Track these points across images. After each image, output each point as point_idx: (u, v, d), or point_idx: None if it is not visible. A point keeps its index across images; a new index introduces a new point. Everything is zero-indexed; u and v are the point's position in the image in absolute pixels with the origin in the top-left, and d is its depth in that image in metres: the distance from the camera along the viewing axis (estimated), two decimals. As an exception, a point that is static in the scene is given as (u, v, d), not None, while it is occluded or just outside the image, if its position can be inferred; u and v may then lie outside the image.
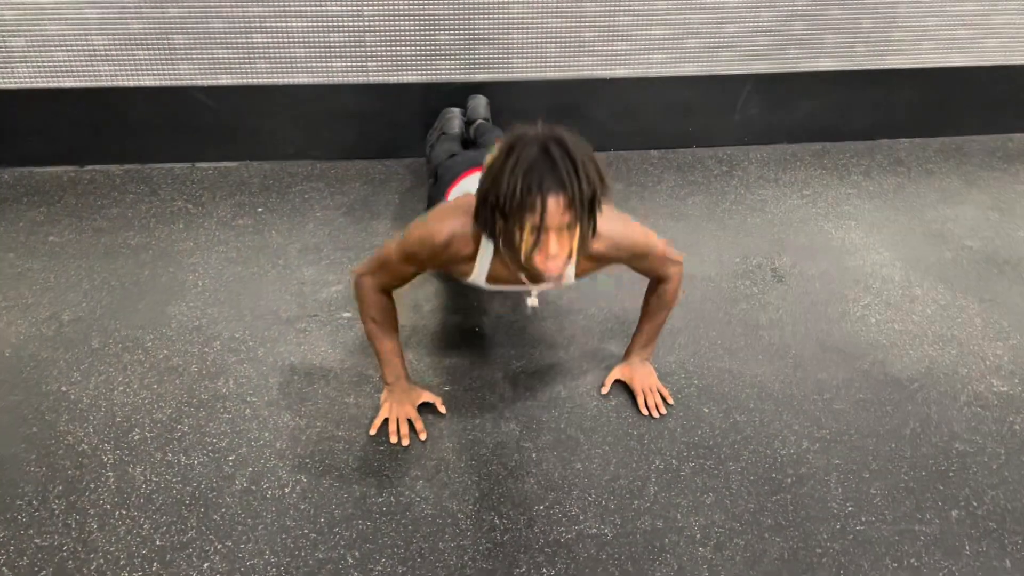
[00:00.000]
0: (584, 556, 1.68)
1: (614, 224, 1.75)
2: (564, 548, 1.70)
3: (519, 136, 1.52)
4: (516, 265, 1.66)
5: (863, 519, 1.78)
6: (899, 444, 1.98)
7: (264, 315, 2.34)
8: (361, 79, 3.10)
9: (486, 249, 1.75)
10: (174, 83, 3.01)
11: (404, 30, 3.01)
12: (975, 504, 1.83)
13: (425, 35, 3.03)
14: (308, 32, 2.97)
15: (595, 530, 1.74)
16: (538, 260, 1.56)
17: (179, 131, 3.09)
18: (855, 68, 3.35)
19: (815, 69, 3.33)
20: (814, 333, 2.34)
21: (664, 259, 1.96)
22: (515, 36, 3.08)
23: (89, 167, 3.08)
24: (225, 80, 3.03)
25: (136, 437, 1.92)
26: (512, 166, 1.48)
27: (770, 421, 2.03)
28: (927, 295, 2.52)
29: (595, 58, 3.17)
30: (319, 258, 2.60)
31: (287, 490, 1.81)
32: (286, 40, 2.97)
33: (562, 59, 3.16)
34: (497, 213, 1.56)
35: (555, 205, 1.49)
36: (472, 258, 1.78)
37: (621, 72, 3.22)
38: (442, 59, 3.10)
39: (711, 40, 3.19)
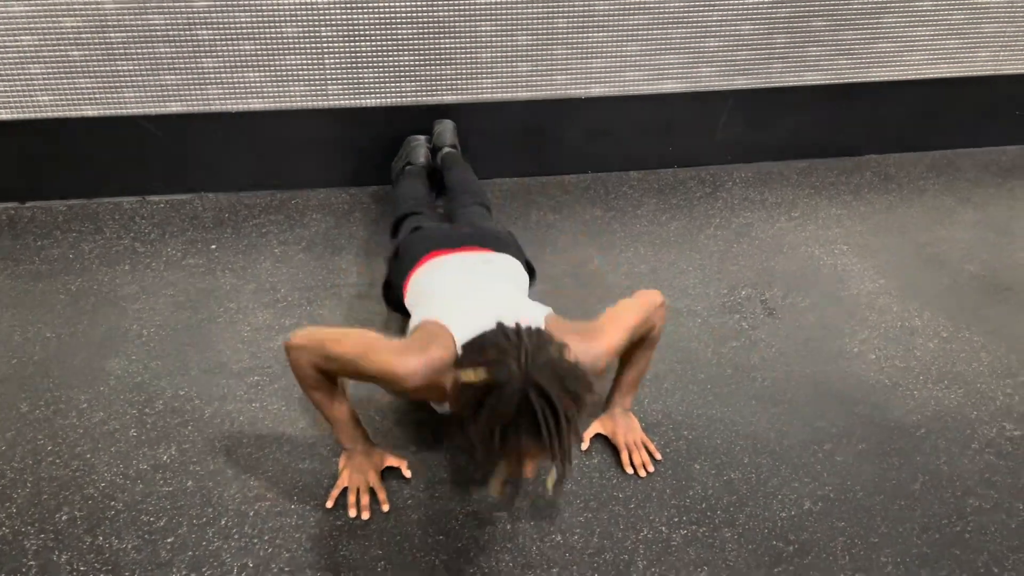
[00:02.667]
0: (565, 649, 1.50)
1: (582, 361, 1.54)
2: (543, 639, 1.51)
3: (498, 379, 1.39)
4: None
5: (874, 593, 1.61)
6: (908, 502, 1.81)
7: (212, 368, 2.14)
8: (321, 103, 2.91)
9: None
10: (120, 112, 2.80)
11: (365, 51, 2.83)
12: (995, 570, 1.66)
13: (388, 56, 2.85)
14: (262, 55, 2.77)
15: (576, 615, 1.56)
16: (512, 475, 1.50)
17: (127, 163, 2.89)
18: (840, 81, 3.20)
19: (799, 84, 3.17)
20: (810, 374, 2.17)
21: (642, 321, 1.78)
22: (483, 55, 2.90)
23: (30, 204, 2.87)
24: (175, 108, 2.83)
25: (64, 518, 1.72)
26: (489, 417, 1.39)
27: (767, 478, 1.86)
28: (927, 327, 2.36)
29: (568, 76, 3.00)
30: (274, 300, 2.40)
31: (231, 577, 1.61)
32: (239, 64, 2.78)
33: (533, 78, 2.98)
34: (470, 428, 1.45)
35: (532, 462, 1.46)
36: (447, 392, 1.61)
37: (596, 91, 3.05)
38: (406, 81, 2.92)
39: (690, 55, 3.03)
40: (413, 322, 1.78)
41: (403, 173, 2.74)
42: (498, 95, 3.00)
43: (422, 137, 2.90)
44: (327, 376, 1.69)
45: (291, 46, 2.78)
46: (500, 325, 1.50)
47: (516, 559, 1.66)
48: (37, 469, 1.83)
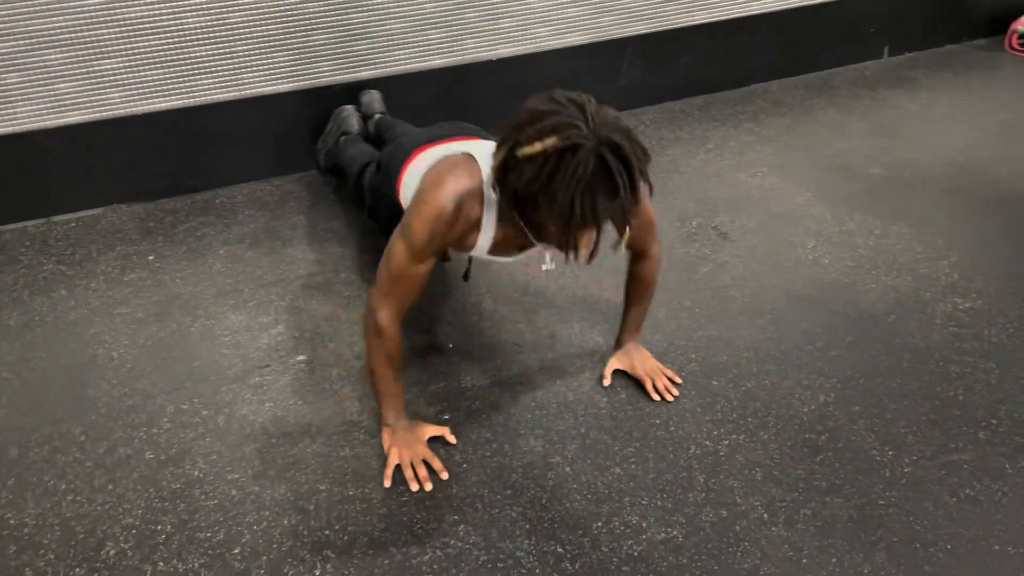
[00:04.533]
0: (664, 566, 1.58)
1: None
2: (641, 562, 1.58)
3: (571, 140, 1.36)
4: (549, 245, 1.57)
5: (906, 460, 1.79)
6: (903, 379, 2.00)
7: (206, 377, 2.04)
8: (234, 94, 2.78)
9: (490, 214, 1.63)
10: (12, 129, 2.57)
11: (276, 33, 2.73)
12: (994, 422, 1.88)
13: (299, 36, 2.76)
14: (166, 50, 2.62)
15: (663, 535, 1.64)
16: (581, 255, 1.48)
17: (25, 183, 2.65)
18: (724, 18, 3.40)
19: (689, 24, 3.34)
20: (779, 284, 2.34)
21: (654, 231, 1.88)
22: (395, 26, 2.87)
23: (-81, 243, 2.59)
24: (74, 118, 2.62)
25: (112, 552, 1.61)
26: (567, 180, 1.36)
27: (779, 382, 2.00)
28: (860, 228, 2.59)
29: (479, 39, 3.01)
30: (242, 301, 2.31)
31: (317, 572, 1.57)
32: (140, 63, 2.61)
33: (446, 44, 2.98)
34: (539, 212, 1.45)
35: (610, 223, 1.43)
36: (478, 225, 1.64)
37: (507, 51, 3.08)
38: (321, 60, 2.84)
39: (592, 6, 3.12)
40: (417, 183, 1.73)
41: (342, 143, 2.68)
42: (413, 66, 2.98)
43: (350, 107, 2.83)
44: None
45: (197, 37, 2.64)
46: (549, 95, 1.45)
47: (587, 496, 1.72)
48: (59, 510, 1.70)
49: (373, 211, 2.24)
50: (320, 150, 2.88)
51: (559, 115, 1.40)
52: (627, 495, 1.72)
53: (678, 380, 2.00)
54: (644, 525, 1.65)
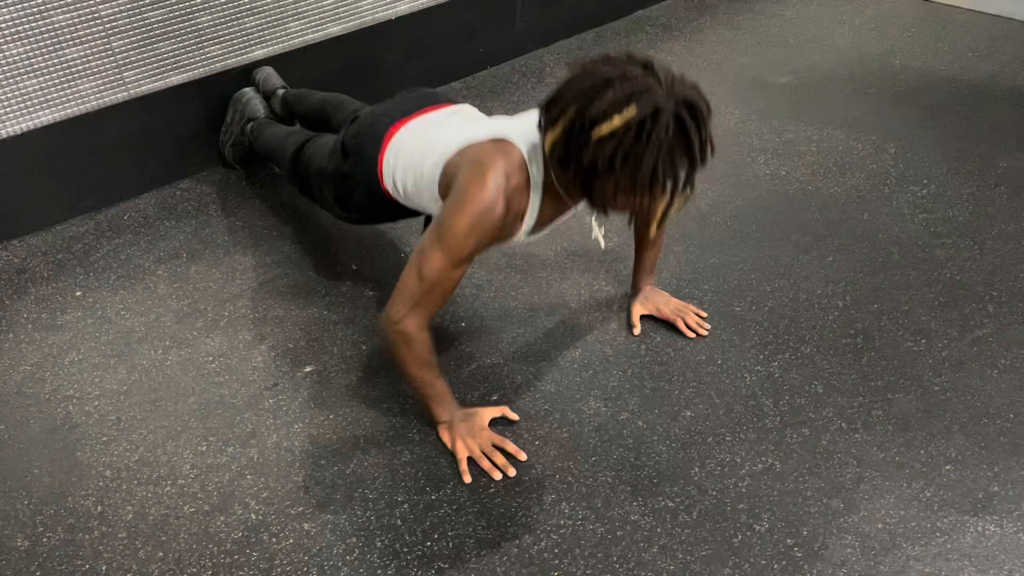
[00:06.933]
0: (775, 495, 1.58)
1: None
2: (752, 497, 1.58)
3: (651, 106, 1.29)
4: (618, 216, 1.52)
5: (939, 346, 1.88)
6: (902, 271, 2.10)
7: (212, 411, 1.83)
8: (120, 96, 2.46)
9: (535, 197, 1.53)
10: None
11: (156, 22, 2.42)
12: (995, 293, 2.01)
13: (182, 21, 2.47)
14: (34, 55, 2.26)
15: (760, 465, 1.64)
16: (654, 222, 1.47)
17: None
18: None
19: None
20: (751, 202, 2.38)
21: None
22: (287, -4, 2.63)
23: None
24: (-62, 148, 2.23)
25: (197, 626, 1.42)
26: (651, 149, 1.29)
27: (795, 295, 2.05)
28: (799, 137, 2.68)
29: (376, -1, 2.83)
30: (211, 322, 2.08)
31: (436, 589, 1.46)
32: (5, 75, 2.24)
33: (341, 8, 2.77)
34: (610, 184, 1.37)
35: (690, 187, 1.40)
36: (523, 214, 1.54)
37: (403, 8, 2.91)
38: (209, 44, 2.56)
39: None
40: (429, 173, 1.63)
41: (250, 130, 2.44)
42: (310, 37, 2.75)
43: (248, 89, 2.59)
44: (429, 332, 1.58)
45: (68, 36, 2.30)
46: (603, 57, 1.37)
47: (671, 445, 1.69)
48: (112, 596, 1.47)
49: (341, 201, 2.04)
50: (224, 143, 2.62)
51: (628, 79, 1.32)
52: (708, 435, 1.71)
53: (703, 314, 1.99)
54: (738, 460, 1.65)
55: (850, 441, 1.67)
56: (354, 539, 1.54)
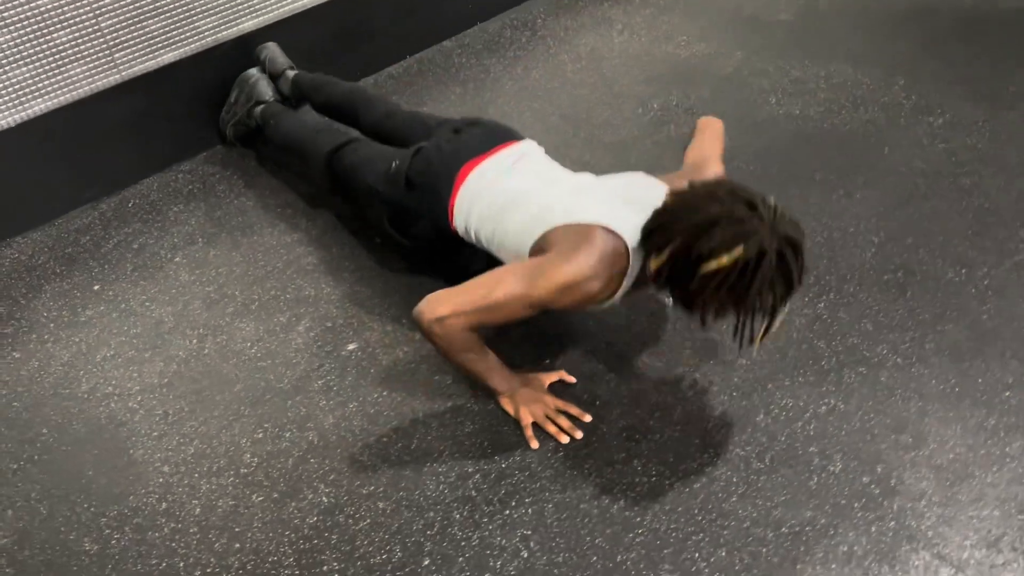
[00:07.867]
0: (843, 435, 1.60)
1: None
2: (822, 439, 1.60)
3: (755, 247, 1.34)
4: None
5: (979, 274, 1.91)
6: (931, 203, 2.11)
7: (261, 397, 1.79)
8: (113, 79, 2.36)
9: (627, 282, 1.56)
10: None
11: (147, -2, 2.33)
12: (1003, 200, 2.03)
13: (175, -5, 2.37)
14: (22, 42, 2.16)
15: (824, 407, 1.66)
16: (755, 344, 1.47)
17: None
18: None
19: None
20: (770, 143, 2.37)
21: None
22: (277, -38, 2.54)
23: None
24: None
25: (288, 617, 1.41)
26: (754, 283, 1.35)
27: (829, 235, 2.06)
28: (806, 75, 2.66)
29: (366, -40, 2.74)
30: (242, 306, 2.03)
31: (525, 555, 1.45)
32: None
33: (333, -28, 2.68)
34: (714, 307, 1.42)
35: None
36: (613, 294, 1.56)
37: (392, -32, 2.82)
38: (200, 17, 2.46)
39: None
40: (516, 231, 1.64)
41: (269, 116, 2.37)
42: (300, 4, 2.66)
43: (254, 70, 2.52)
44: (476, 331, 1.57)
45: (55, 19, 2.20)
46: (708, 191, 1.43)
47: (732, 395, 1.69)
48: (194, 594, 1.45)
49: (398, 226, 1.99)
50: (226, 122, 2.54)
51: (735, 221, 1.35)
52: (768, 382, 1.71)
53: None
54: (801, 404, 1.66)
55: (908, 376, 1.69)
56: (431, 513, 1.53)
